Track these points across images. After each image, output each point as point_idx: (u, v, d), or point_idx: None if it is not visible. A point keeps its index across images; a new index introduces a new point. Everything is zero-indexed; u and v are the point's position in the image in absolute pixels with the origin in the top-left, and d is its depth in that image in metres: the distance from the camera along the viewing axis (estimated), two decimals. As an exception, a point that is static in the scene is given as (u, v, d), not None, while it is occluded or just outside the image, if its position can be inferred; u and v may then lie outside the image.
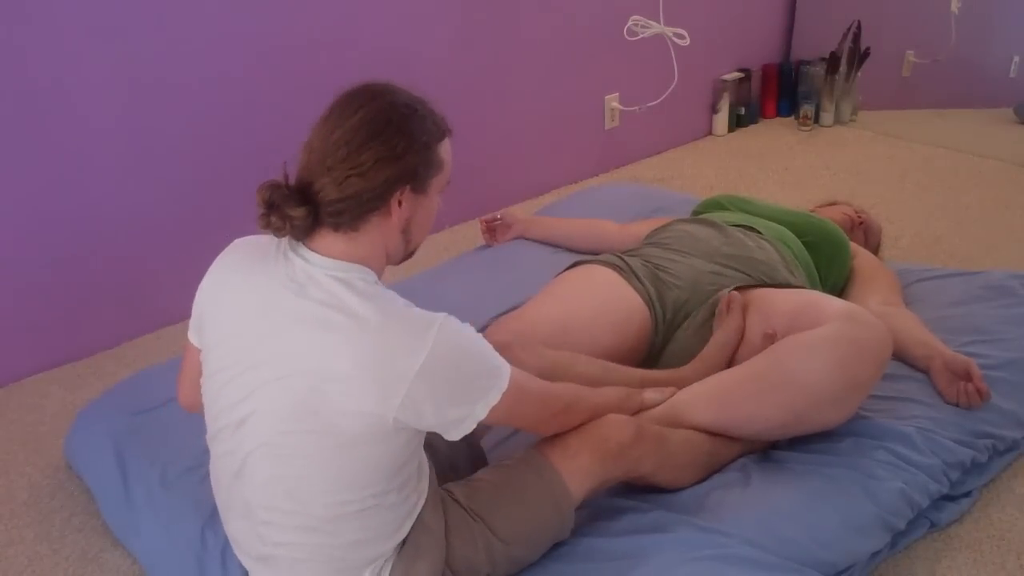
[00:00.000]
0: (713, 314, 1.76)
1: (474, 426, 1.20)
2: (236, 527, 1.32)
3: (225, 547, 1.49)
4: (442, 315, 1.17)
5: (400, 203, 1.21)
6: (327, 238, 1.21)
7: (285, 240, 1.24)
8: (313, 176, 1.19)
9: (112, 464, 1.72)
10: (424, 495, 1.29)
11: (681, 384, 1.61)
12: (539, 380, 1.32)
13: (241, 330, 1.23)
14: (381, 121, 1.19)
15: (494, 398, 1.20)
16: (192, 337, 1.38)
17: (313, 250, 1.21)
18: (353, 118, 1.19)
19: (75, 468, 1.87)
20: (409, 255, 1.32)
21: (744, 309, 1.71)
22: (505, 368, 1.22)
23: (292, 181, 1.22)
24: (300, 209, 1.17)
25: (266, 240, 1.27)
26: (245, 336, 1.22)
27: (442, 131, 1.26)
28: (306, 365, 1.15)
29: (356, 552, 1.23)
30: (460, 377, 1.17)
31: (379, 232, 1.22)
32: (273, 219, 1.18)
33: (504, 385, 1.20)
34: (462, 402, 1.18)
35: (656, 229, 2.08)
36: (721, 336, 1.69)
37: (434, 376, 1.14)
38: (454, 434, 1.20)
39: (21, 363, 2.29)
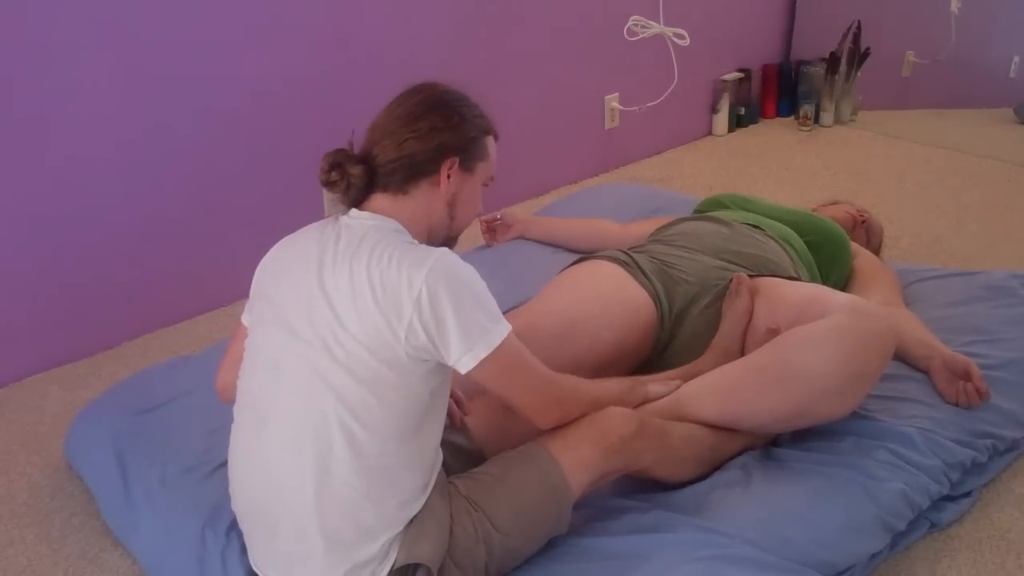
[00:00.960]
0: (717, 297, 1.76)
1: (477, 361, 1.24)
2: (256, 494, 1.32)
3: (225, 547, 1.49)
4: (443, 248, 1.30)
5: (449, 175, 1.36)
6: (376, 200, 1.35)
7: (338, 215, 1.36)
8: (374, 143, 1.36)
9: (112, 464, 1.71)
10: (436, 474, 1.32)
11: (695, 376, 1.62)
12: (540, 362, 1.35)
13: (284, 284, 1.34)
14: (439, 100, 1.37)
15: (496, 339, 1.26)
16: (246, 319, 1.44)
17: (362, 208, 1.35)
18: (414, 99, 1.37)
19: (75, 468, 1.87)
20: (450, 241, 1.43)
21: (752, 291, 1.72)
22: (504, 322, 1.28)
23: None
24: (358, 167, 1.33)
25: (323, 220, 1.39)
26: (286, 288, 1.33)
27: (490, 127, 1.43)
28: (330, 297, 1.26)
29: (370, 511, 1.25)
30: (459, 297, 1.24)
31: (426, 199, 1.36)
32: (333, 174, 1.33)
33: (504, 332, 1.27)
34: (464, 327, 1.23)
35: (661, 227, 2.08)
36: (729, 321, 1.70)
37: (435, 291, 1.22)
38: (462, 364, 1.25)
39: (21, 363, 2.28)
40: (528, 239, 2.50)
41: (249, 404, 1.35)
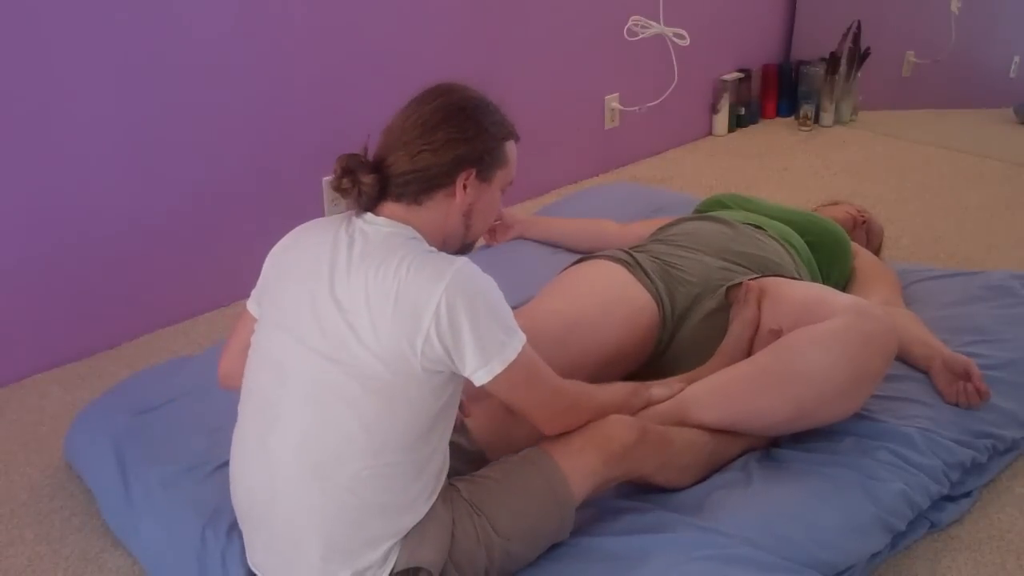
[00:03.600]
0: (720, 304, 1.75)
1: (492, 376, 1.24)
2: (257, 496, 1.32)
3: (225, 547, 1.49)
4: (463, 258, 1.27)
5: (465, 187, 1.32)
6: (390, 207, 1.32)
7: (351, 213, 1.34)
8: (388, 151, 1.32)
9: (112, 464, 1.71)
10: (441, 483, 1.32)
11: (698, 380, 1.62)
12: (550, 370, 1.35)
13: (293, 288, 1.32)
14: (455, 108, 1.33)
15: (511, 354, 1.25)
16: (251, 306, 1.43)
17: (375, 214, 1.32)
18: (430, 105, 1.33)
19: (75, 468, 1.87)
20: (466, 248, 1.40)
21: (760, 298, 1.71)
22: (520, 334, 1.27)
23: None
24: (371, 176, 1.29)
25: (336, 216, 1.36)
26: (296, 293, 1.31)
27: (509, 131, 1.39)
28: (343, 306, 1.24)
29: (374, 519, 1.25)
30: (477, 311, 1.22)
31: (441, 210, 1.33)
32: (344, 181, 1.29)
33: (519, 346, 1.26)
34: (480, 341, 1.22)
35: (663, 226, 2.07)
36: (737, 328, 1.70)
37: (454, 304, 1.21)
38: (476, 377, 1.24)
39: (21, 363, 2.28)
40: (528, 239, 2.50)
41: (255, 407, 1.34)
